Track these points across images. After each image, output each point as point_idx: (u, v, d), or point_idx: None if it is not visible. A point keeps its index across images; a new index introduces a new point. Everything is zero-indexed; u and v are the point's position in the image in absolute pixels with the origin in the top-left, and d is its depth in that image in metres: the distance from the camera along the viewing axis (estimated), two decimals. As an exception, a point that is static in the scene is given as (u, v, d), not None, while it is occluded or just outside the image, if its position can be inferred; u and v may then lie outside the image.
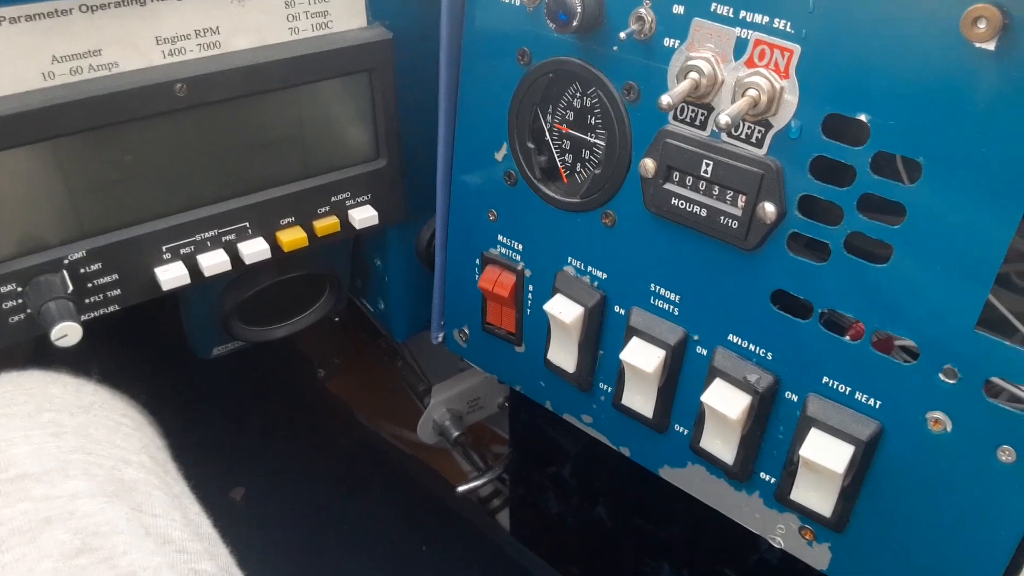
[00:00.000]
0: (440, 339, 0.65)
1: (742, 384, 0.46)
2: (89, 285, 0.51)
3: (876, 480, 0.43)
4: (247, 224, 0.56)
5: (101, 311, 0.53)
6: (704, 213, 0.44)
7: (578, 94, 0.48)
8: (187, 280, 0.54)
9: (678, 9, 0.42)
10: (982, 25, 0.33)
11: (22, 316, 0.49)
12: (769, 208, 0.41)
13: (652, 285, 0.49)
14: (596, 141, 0.49)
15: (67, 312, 0.48)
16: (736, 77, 0.41)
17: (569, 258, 0.53)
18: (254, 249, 0.56)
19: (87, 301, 0.52)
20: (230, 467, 0.85)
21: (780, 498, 0.47)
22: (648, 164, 0.45)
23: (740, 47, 0.40)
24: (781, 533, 0.49)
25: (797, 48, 0.39)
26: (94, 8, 0.46)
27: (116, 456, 0.38)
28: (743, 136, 0.42)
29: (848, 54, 0.37)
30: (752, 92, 0.40)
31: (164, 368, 0.82)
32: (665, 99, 0.40)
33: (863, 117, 0.37)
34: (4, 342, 0.50)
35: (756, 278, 0.44)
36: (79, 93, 0.46)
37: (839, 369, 0.43)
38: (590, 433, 0.57)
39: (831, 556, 0.47)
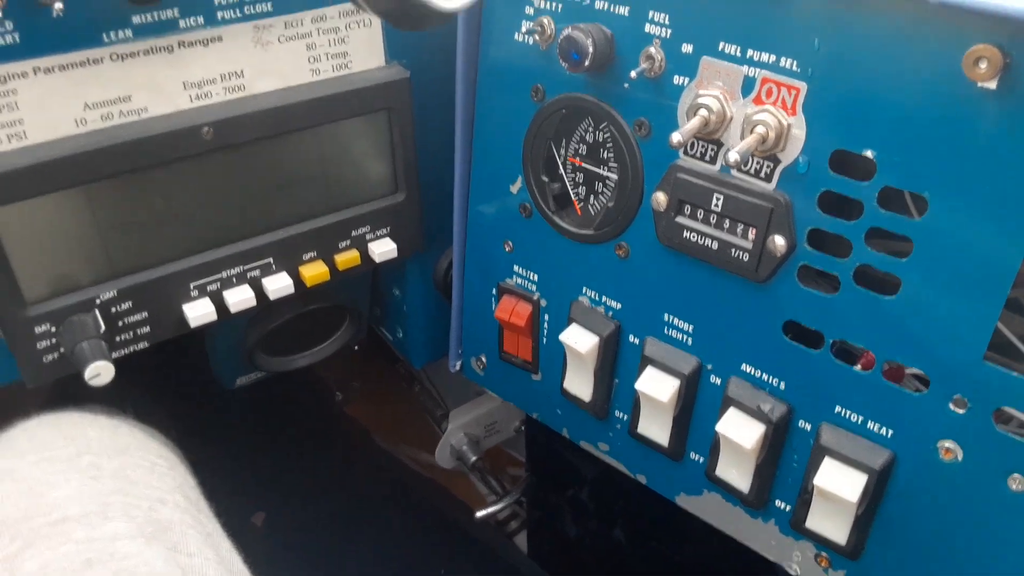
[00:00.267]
0: (458, 367, 0.66)
1: (756, 413, 0.46)
2: (120, 323, 0.52)
3: (889, 508, 0.44)
4: (271, 260, 0.57)
5: (131, 348, 0.54)
6: (715, 246, 0.45)
7: (591, 129, 0.49)
8: (214, 317, 0.55)
9: (687, 48, 0.43)
10: (983, 65, 0.33)
11: (56, 355, 0.50)
12: (779, 241, 0.42)
13: (666, 315, 0.50)
14: (609, 174, 0.49)
15: (99, 352, 0.49)
16: (744, 114, 0.41)
17: (584, 288, 0.53)
18: (278, 284, 0.57)
19: (118, 339, 0.53)
20: (250, 491, 0.86)
21: (795, 526, 0.47)
22: (660, 198, 0.46)
23: (748, 85, 0.41)
24: (797, 560, 0.49)
25: (803, 86, 0.39)
26: (124, 56, 0.47)
27: (153, 497, 0.39)
28: (752, 171, 0.42)
29: (853, 92, 0.38)
30: (760, 129, 0.40)
31: (190, 399, 0.83)
32: (676, 137, 0.41)
33: (869, 153, 0.38)
34: (39, 381, 0.50)
35: (768, 309, 0.45)
36: (111, 139, 0.48)
37: (851, 398, 0.43)
38: (607, 461, 0.58)
39: (847, 582, 0.47)
